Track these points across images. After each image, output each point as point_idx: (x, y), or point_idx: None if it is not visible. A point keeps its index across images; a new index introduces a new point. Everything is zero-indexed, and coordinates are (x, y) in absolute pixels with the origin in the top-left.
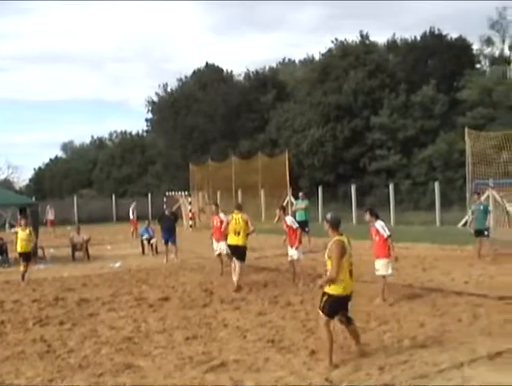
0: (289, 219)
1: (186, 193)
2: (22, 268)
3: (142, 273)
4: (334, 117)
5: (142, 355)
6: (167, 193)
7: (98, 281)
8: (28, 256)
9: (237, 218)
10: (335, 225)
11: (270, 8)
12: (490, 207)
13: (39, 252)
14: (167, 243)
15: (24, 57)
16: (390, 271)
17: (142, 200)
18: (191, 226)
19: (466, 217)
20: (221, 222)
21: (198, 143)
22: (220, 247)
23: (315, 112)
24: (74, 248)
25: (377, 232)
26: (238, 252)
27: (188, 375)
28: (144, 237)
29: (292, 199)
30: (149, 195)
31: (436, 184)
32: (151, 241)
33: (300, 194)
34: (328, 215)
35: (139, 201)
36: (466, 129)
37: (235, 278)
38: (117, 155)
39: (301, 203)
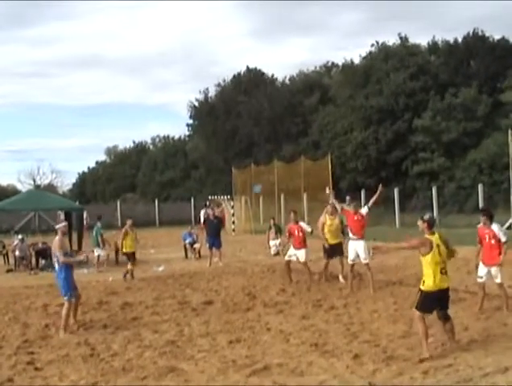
0: (302, 224)
1: (228, 197)
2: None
3: (186, 277)
4: (376, 119)
5: (185, 358)
6: (209, 197)
7: (142, 284)
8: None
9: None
10: (430, 225)
11: (310, 11)
12: None
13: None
14: (211, 247)
15: (66, 62)
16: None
17: (185, 205)
18: (233, 230)
19: (510, 220)
20: (302, 231)
21: (240, 147)
22: (298, 254)
23: (357, 116)
24: (118, 252)
25: (494, 235)
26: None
27: (232, 378)
28: (187, 241)
29: (335, 202)
30: (192, 200)
31: (480, 186)
32: (194, 245)
33: (347, 197)
34: (426, 216)
35: (182, 206)
36: (510, 131)
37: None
38: (159, 160)
39: (347, 208)
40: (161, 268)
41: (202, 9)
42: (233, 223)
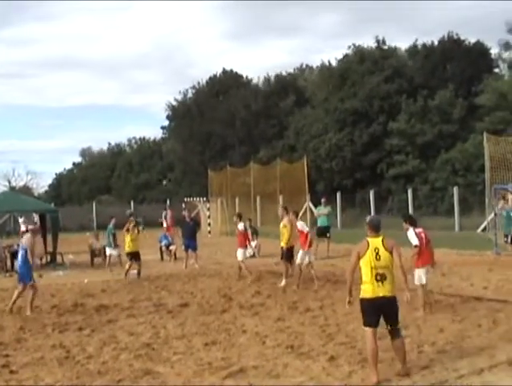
0: (299, 224)
1: (204, 199)
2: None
3: (161, 279)
4: (351, 122)
5: (161, 361)
6: (185, 199)
7: (117, 286)
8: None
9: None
10: (370, 227)
11: (287, 14)
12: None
13: (58, 258)
14: (187, 249)
15: (43, 63)
16: (420, 280)
17: (161, 207)
18: (209, 232)
19: (485, 222)
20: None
21: (216, 149)
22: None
23: (332, 118)
24: (93, 254)
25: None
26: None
27: (207, 381)
28: (163, 243)
29: (311, 205)
30: (167, 201)
31: (455, 189)
32: (170, 247)
33: (323, 200)
34: (367, 218)
35: (157, 208)
36: (485, 134)
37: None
38: (135, 161)
39: (323, 209)
40: (135, 271)
41: (179, 11)
42: (209, 225)
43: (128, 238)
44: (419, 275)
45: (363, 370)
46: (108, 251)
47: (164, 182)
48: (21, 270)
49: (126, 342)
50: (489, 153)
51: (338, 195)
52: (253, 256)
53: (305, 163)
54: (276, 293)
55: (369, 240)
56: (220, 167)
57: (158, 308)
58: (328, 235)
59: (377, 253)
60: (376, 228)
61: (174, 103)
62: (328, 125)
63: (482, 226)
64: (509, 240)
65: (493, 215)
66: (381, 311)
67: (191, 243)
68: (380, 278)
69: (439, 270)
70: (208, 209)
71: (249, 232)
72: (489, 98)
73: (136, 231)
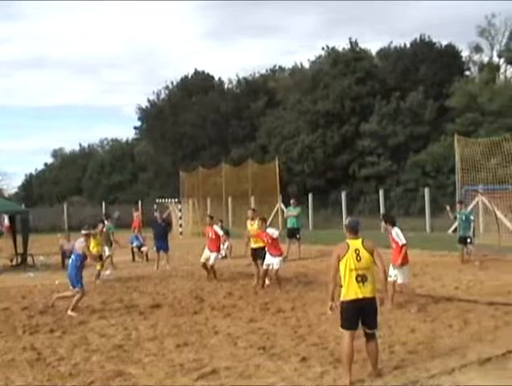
0: (270, 230)
1: (176, 200)
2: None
3: (133, 281)
4: (323, 123)
5: (132, 362)
6: (157, 200)
7: (88, 288)
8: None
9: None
10: (349, 229)
11: (261, 15)
12: (472, 216)
13: (29, 259)
14: (158, 250)
15: (15, 62)
16: (406, 279)
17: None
18: (181, 233)
19: (456, 223)
20: (216, 234)
21: (188, 150)
22: (210, 257)
23: (304, 119)
24: (64, 255)
25: (393, 239)
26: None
27: (179, 382)
28: (134, 245)
29: (282, 206)
30: (139, 203)
31: (426, 190)
32: (142, 249)
33: (292, 201)
34: (346, 220)
35: (128, 209)
36: (455, 136)
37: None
38: (107, 162)
39: (293, 211)
40: (108, 272)
41: (153, 11)
42: (181, 226)
43: (93, 242)
44: (405, 272)
45: (335, 370)
46: (107, 251)
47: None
48: (71, 275)
49: (98, 344)
50: (459, 155)
51: (310, 196)
52: (224, 257)
53: (277, 164)
54: (248, 294)
55: (349, 241)
56: (192, 168)
57: (129, 309)
58: (297, 236)
59: (357, 254)
60: (355, 230)
61: (146, 104)
62: (300, 127)
63: (453, 227)
64: (469, 241)
65: (457, 217)
66: (361, 313)
67: (162, 244)
68: (361, 279)
69: (410, 271)
70: (180, 210)
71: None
72: (459, 100)
73: (100, 235)
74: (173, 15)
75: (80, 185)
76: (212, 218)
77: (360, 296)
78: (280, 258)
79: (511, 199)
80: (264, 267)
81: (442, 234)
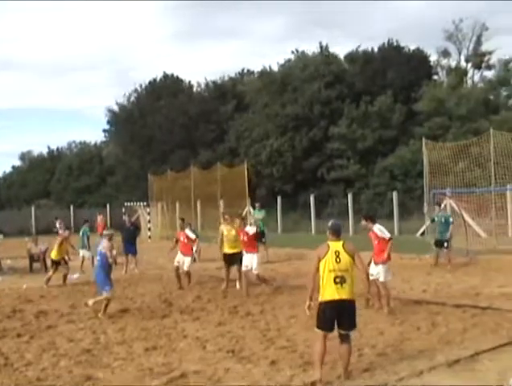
0: (247, 228)
1: (145, 204)
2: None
3: None
4: (292, 127)
5: (101, 366)
6: (125, 204)
7: (57, 292)
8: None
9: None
10: (331, 231)
11: (231, 17)
12: (451, 219)
13: None
14: (127, 254)
15: None
16: (388, 277)
17: (101, 211)
18: (149, 237)
19: (424, 226)
20: (188, 238)
21: (156, 154)
22: (184, 261)
23: (273, 123)
24: (32, 259)
25: (377, 235)
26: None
27: None
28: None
29: (251, 210)
30: (107, 206)
31: (395, 194)
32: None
33: (257, 204)
34: (329, 223)
35: (97, 212)
36: (423, 140)
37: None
38: (75, 165)
39: (258, 214)
40: (76, 276)
41: (122, 13)
42: (149, 229)
43: (56, 247)
44: (388, 270)
45: (304, 374)
46: (81, 253)
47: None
48: (99, 278)
49: (66, 349)
50: (427, 159)
51: (279, 199)
52: (194, 260)
53: (245, 168)
54: (217, 297)
55: (330, 243)
56: (161, 171)
57: (98, 313)
58: (263, 240)
59: (337, 256)
60: (337, 233)
61: (115, 106)
62: (269, 131)
63: (421, 230)
64: (446, 245)
65: (429, 221)
66: (338, 314)
67: (131, 247)
68: (339, 281)
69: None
70: (149, 214)
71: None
72: (427, 104)
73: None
74: (142, 17)
75: (48, 188)
76: (183, 221)
77: (337, 297)
78: (256, 256)
79: (478, 202)
80: (243, 268)
81: (410, 237)
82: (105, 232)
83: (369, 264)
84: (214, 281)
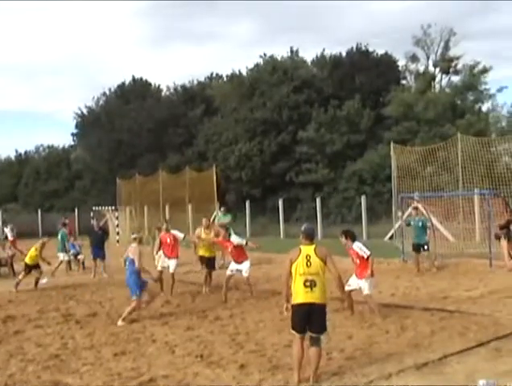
0: (233, 238)
1: (113, 208)
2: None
3: (70, 289)
4: (260, 131)
5: (69, 372)
6: (94, 208)
7: (24, 297)
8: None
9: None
10: (304, 235)
11: (200, 21)
12: (429, 223)
13: None
14: (95, 258)
15: None
16: (372, 289)
17: (68, 215)
18: (118, 241)
19: (392, 230)
20: (175, 239)
21: (125, 158)
22: (169, 264)
23: (241, 127)
24: None
25: (357, 254)
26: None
27: None
28: (70, 253)
29: (220, 214)
30: (76, 210)
31: (363, 198)
32: (78, 257)
33: (222, 208)
34: (302, 227)
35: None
36: (392, 144)
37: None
38: (43, 169)
39: (224, 218)
40: (44, 281)
41: (92, 16)
42: (118, 234)
43: (34, 252)
44: (372, 283)
45: (273, 377)
46: (60, 256)
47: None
48: (130, 282)
49: (34, 354)
50: (395, 163)
51: (247, 203)
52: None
53: (214, 172)
54: (185, 302)
55: (302, 247)
56: (129, 175)
57: (66, 318)
58: None
59: (308, 260)
60: (310, 237)
61: (84, 110)
62: (237, 135)
63: (389, 234)
64: (425, 248)
65: (399, 223)
66: (308, 317)
67: (99, 252)
68: (309, 285)
69: (347, 278)
70: (117, 218)
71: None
72: (396, 109)
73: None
74: (111, 21)
75: (16, 192)
76: (167, 222)
77: (306, 300)
78: (248, 263)
79: (446, 206)
80: (228, 273)
81: (378, 241)
82: (133, 235)
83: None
84: (183, 286)
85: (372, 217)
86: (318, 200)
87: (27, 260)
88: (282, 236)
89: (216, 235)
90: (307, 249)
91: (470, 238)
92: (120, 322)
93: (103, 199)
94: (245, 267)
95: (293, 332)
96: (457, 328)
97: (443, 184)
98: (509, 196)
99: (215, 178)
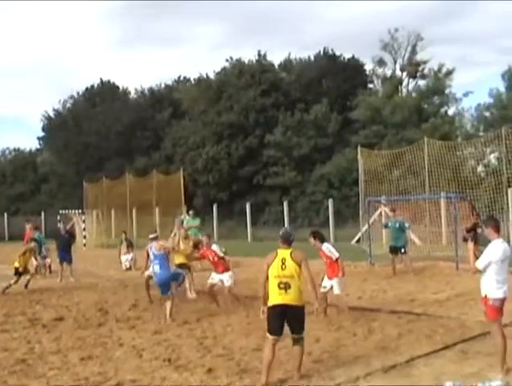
0: (215, 247)
1: (80, 211)
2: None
3: (36, 293)
4: (228, 135)
5: (36, 376)
6: (60, 211)
7: None
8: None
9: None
10: (281, 239)
11: (168, 24)
12: (407, 224)
13: None
14: (62, 262)
15: None
16: (342, 289)
17: (31, 219)
18: (84, 244)
19: (359, 234)
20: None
21: (92, 161)
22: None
23: (209, 131)
24: None
25: (326, 255)
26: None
27: None
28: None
29: (187, 217)
30: (42, 214)
31: (330, 201)
32: (45, 260)
33: (190, 212)
34: (280, 231)
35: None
36: (359, 148)
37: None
38: (8, 173)
39: (192, 221)
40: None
41: (59, 18)
42: (85, 237)
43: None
44: (341, 284)
45: (241, 381)
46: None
47: None
48: (164, 278)
49: (0, 359)
50: (362, 167)
51: (215, 207)
52: (129, 269)
53: (181, 175)
54: (153, 306)
55: (279, 251)
56: (97, 179)
57: (32, 322)
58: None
59: (283, 263)
60: (287, 241)
61: (51, 113)
62: (205, 138)
63: (356, 237)
64: (402, 251)
65: (389, 225)
66: (284, 319)
67: (66, 255)
68: (283, 287)
69: (315, 281)
70: (84, 221)
71: (125, 244)
72: (363, 113)
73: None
74: (79, 23)
75: None
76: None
77: (281, 302)
78: (229, 273)
79: (413, 209)
80: (209, 281)
81: (345, 244)
82: (150, 235)
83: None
84: (150, 290)
85: (339, 221)
86: (285, 204)
87: (17, 264)
88: (249, 240)
89: (195, 246)
90: (284, 253)
91: (437, 241)
92: (169, 320)
93: (70, 202)
94: (225, 277)
95: (268, 335)
96: (424, 331)
97: (410, 188)
98: (475, 200)
99: (182, 181)
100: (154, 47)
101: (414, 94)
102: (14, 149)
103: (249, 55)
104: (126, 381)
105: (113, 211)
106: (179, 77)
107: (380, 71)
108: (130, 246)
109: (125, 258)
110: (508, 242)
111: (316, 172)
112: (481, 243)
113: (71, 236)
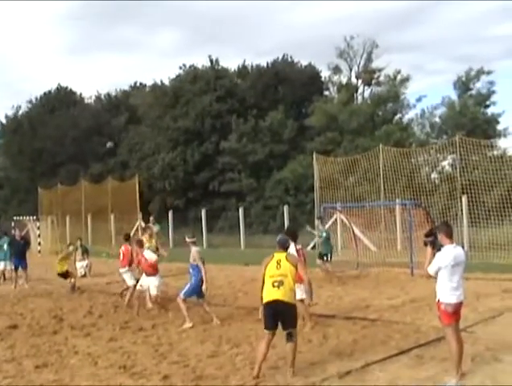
0: (147, 253)
1: (34, 217)
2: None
3: None
4: (183, 141)
5: None
6: (15, 217)
7: None
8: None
9: None
10: (278, 244)
11: (124, 30)
12: (325, 234)
13: None
14: (16, 269)
15: None
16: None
17: None
18: (39, 251)
19: (315, 240)
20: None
21: (47, 167)
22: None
23: (164, 136)
24: None
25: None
26: None
27: None
28: None
29: (143, 224)
30: None
31: (285, 207)
32: None
33: (151, 218)
34: (277, 237)
35: None
36: (314, 154)
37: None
38: None
39: (154, 227)
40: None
41: (14, 23)
42: (39, 244)
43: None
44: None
45: None
46: (1, 265)
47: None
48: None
49: None
50: (318, 173)
51: (170, 213)
52: (84, 275)
53: (137, 181)
54: (108, 313)
55: (275, 253)
56: (51, 185)
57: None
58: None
59: (278, 263)
60: (283, 246)
61: (3, 119)
62: (160, 144)
63: (312, 244)
64: (329, 258)
65: (316, 236)
66: (277, 315)
67: (21, 262)
68: (277, 284)
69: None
70: (38, 228)
71: (80, 251)
72: (318, 119)
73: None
74: (34, 28)
75: None
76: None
77: (273, 298)
78: (157, 279)
79: (368, 216)
80: (138, 287)
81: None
82: (190, 239)
83: None
84: (105, 297)
85: (294, 227)
86: (241, 210)
87: None
88: (204, 246)
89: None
90: (280, 255)
91: (392, 247)
92: (215, 321)
93: (24, 208)
94: (153, 282)
95: (264, 331)
96: (379, 336)
97: (365, 194)
98: (429, 206)
99: (137, 187)
100: (110, 53)
101: (369, 101)
102: None
103: (203, 62)
104: None
105: (68, 217)
106: (136, 83)
107: (336, 78)
108: (86, 252)
109: (81, 265)
110: (462, 247)
111: (272, 178)
112: (438, 248)
113: (26, 243)
